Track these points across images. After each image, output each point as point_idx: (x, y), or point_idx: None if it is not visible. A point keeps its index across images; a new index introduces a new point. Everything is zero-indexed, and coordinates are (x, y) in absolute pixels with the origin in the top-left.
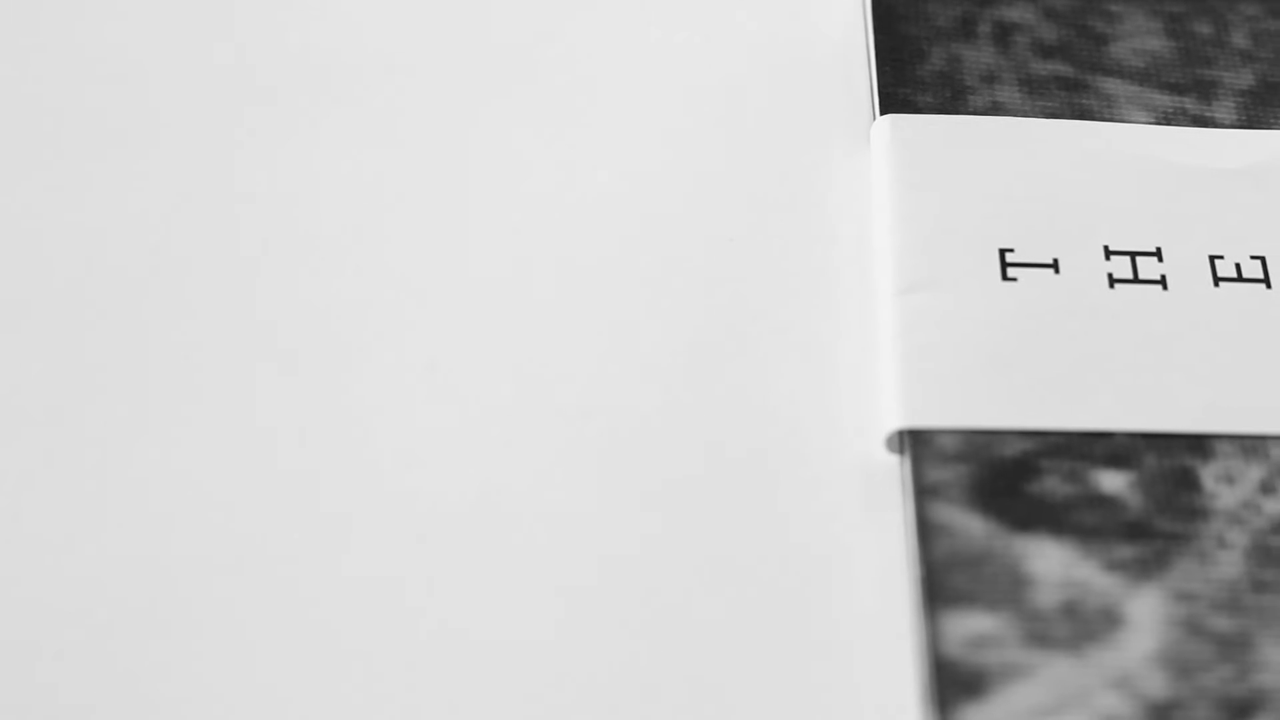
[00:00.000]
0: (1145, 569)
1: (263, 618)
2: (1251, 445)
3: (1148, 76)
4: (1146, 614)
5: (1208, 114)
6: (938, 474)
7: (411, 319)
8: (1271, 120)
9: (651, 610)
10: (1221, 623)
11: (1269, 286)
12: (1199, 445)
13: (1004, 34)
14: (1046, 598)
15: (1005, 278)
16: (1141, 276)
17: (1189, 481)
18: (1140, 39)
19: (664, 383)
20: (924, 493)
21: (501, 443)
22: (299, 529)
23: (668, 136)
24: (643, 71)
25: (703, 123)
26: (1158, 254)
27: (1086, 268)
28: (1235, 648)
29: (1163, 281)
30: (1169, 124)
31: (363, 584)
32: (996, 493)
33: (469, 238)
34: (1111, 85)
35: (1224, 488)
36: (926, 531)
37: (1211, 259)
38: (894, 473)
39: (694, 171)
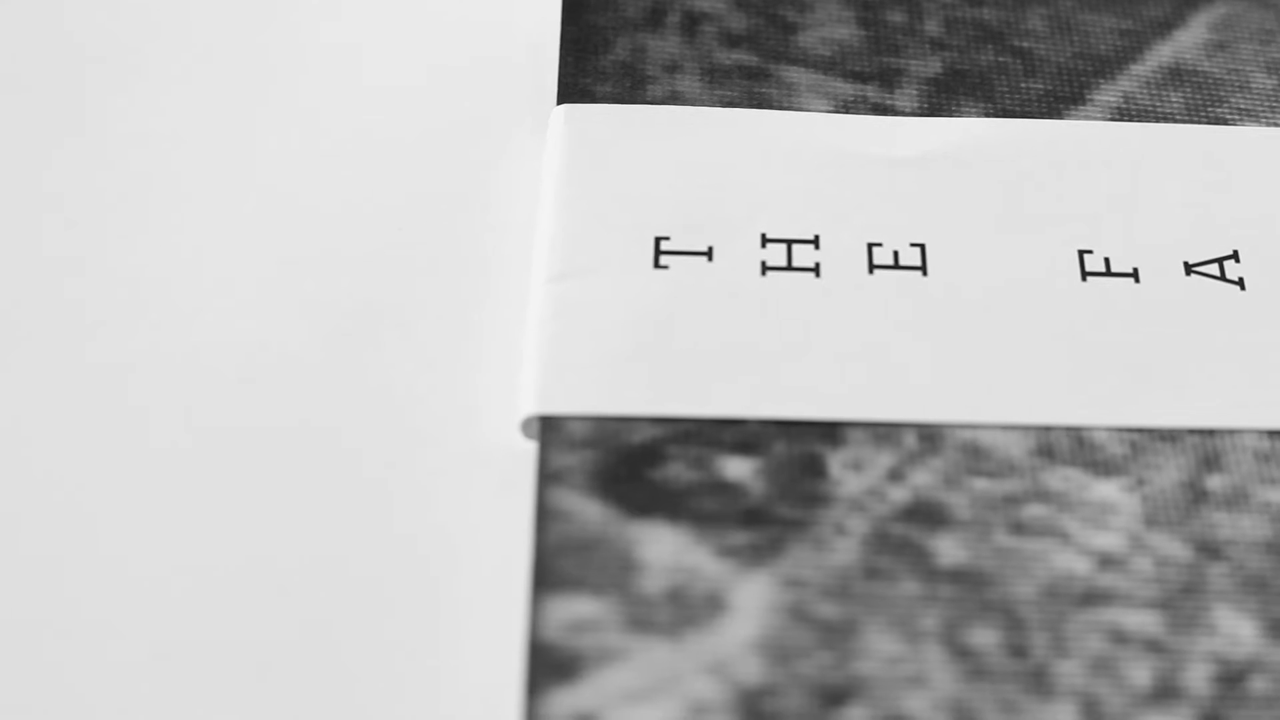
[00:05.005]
0: (758, 555)
1: None
2: (885, 433)
3: (833, 65)
4: (752, 600)
5: (889, 102)
6: (563, 460)
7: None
8: (953, 108)
9: (273, 596)
10: (827, 609)
11: (925, 274)
12: (831, 433)
13: (692, 24)
14: (653, 583)
15: (657, 265)
16: (795, 264)
17: (815, 468)
18: (830, 27)
19: (313, 369)
20: (546, 478)
21: (143, 425)
22: None
23: (352, 124)
24: (331, 54)
25: (388, 112)
26: (815, 242)
27: (740, 255)
28: (838, 635)
29: (816, 269)
30: (848, 113)
31: None
32: (618, 479)
33: (146, 223)
34: (795, 74)
35: (850, 475)
36: (543, 517)
37: (869, 246)
38: (532, 460)
39: (369, 159)
